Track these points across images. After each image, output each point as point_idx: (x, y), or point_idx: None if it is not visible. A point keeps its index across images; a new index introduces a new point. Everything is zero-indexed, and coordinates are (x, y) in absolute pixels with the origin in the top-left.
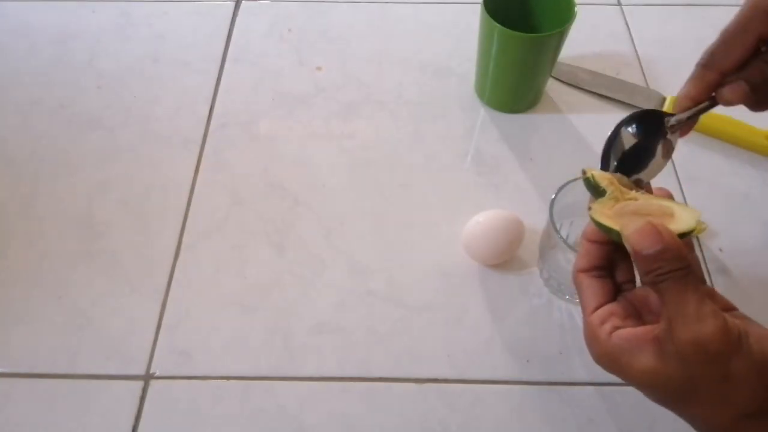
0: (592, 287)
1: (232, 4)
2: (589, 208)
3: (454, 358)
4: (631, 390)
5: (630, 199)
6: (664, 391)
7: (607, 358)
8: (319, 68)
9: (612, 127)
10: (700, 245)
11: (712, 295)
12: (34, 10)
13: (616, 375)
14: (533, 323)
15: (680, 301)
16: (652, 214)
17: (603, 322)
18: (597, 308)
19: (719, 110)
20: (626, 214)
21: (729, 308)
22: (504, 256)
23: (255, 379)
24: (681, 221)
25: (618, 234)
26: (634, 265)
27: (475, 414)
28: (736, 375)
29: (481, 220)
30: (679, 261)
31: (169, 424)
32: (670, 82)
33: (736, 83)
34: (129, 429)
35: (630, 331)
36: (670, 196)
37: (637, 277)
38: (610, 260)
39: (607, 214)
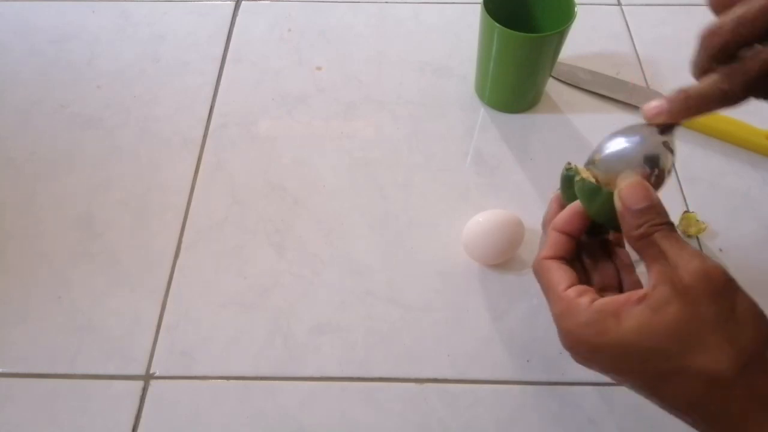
0: (562, 269)
1: (232, 4)
2: (576, 175)
3: (454, 358)
4: (630, 390)
5: None
6: (660, 343)
7: (588, 327)
8: (319, 68)
9: (610, 128)
10: (700, 245)
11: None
12: (34, 10)
13: (592, 347)
14: (533, 323)
15: (678, 246)
16: None
17: (580, 295)
18: (570, 286)
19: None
20: None
21: None
22: (504, 256)
23: (255, 379)
24: None
25: (601, 199)
26: (621, 222)
27: (475, 414)
28: (741, 310)
29: (481, 220)
30: (667, 217)
31: (169, 424)
32: (670, 82)
33: None
34: (129, 429)
35: (612, 298)
36: None
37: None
38: (572, 255)
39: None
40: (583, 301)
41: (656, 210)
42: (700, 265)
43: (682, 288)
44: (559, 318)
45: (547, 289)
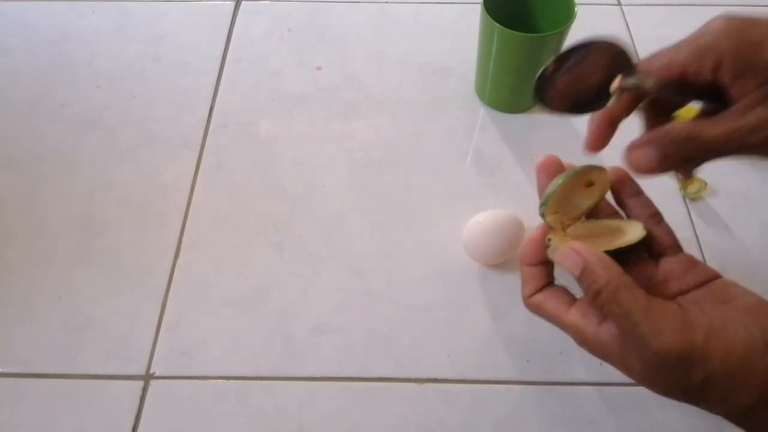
0: (549, 299)
1: (232, 4)
2: (549, 240)
3: (454, 358)
4: (630, 390)
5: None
6: (665, 391)
7: (604, 350)
8: (319, 68)
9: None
10: (700, 245)
11: (692, 264)
12: (33, 10)
13: (616, 366)
14: (533, 323)
15: (626, 317)
16: (602, 234)
17: (584, 314)
18: (569, 307)
19: None
20: (583, 237)
21: (711, 277)
22: (504, 256)
23: (255, 379)
24: (629, 234)
25: None
26: None
27: (475, 414)
28: (711, 375)
29: (481, 220)
30: (607, 273)
31: (169, 424)
32: None
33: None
34: (129, 429)
35: (610, 336)
36: (627, 177)
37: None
38: (551, 276)
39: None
40: (590, 329)
41: (594, 267)
42: (657, 347)
43: (650, 363)
44: (578, 343)
45: (550, 320)
